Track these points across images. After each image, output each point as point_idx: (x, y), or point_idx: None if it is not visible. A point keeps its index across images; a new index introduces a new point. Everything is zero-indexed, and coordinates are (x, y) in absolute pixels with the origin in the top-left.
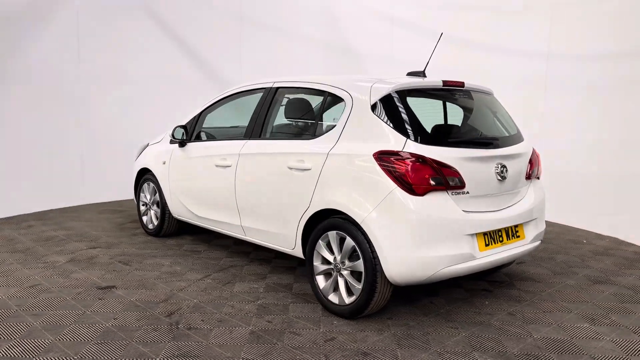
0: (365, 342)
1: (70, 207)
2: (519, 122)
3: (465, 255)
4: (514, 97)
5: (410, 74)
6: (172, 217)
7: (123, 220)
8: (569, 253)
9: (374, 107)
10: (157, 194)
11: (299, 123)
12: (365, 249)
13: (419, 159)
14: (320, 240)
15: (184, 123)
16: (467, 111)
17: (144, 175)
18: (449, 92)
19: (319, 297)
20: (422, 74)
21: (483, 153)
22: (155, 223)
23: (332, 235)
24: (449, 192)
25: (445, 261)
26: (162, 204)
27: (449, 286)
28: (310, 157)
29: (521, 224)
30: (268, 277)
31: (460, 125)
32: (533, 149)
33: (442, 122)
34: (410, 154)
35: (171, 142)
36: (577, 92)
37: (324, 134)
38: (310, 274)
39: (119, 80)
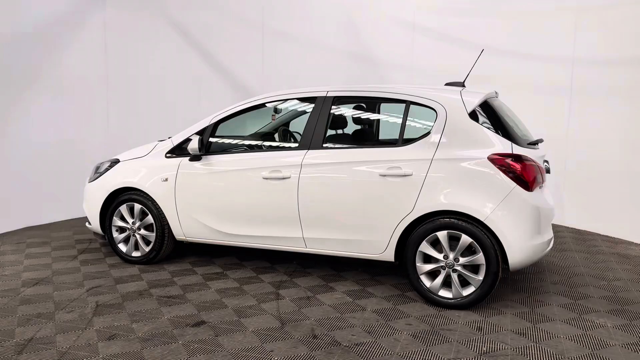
0: (505, 325)
1: None
2: (545, 127)
3: (550, 240)
4: (539, 103)
5: (448, 84)
6: (173, 240)
7: (70, 252)
8: None
9: (471, 115)
10: (150, 216)
11: (376, 131)
12: (487, 243)
13: (528, 159)
14: (424, 241)
15: (185, 136)
16: (505, 116)
17: (121, 196)
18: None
19: (427, 295)
20: (462, 84)
21: (541, 152)
22: (146, 249)
23: (443, 235)
24: (539, 186)
25: (546, 245)
26: (161, 227)
27: None
28: (409, 163)
29: None
30: (334, 288)
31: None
32: None
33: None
34: (521, 155)
35: (169, 156)
36: (603, 96)
37: (414, 141)
38: (414, 275)
39: (141, 90)
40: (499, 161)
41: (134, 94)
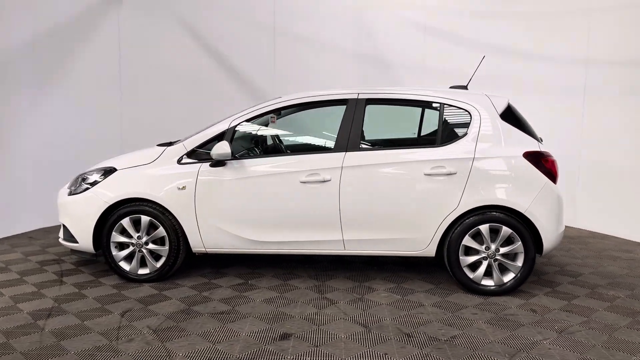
0: (549, 305)
1: None
2: (558, 128)
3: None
4: (552, 104)
5: (453, 87)
6: (187, 253)
7: (46, 276)
8: None
9: (502, 117)
10: (161, 228)
11: (414, 132)
12: (525, 233)
13: (551, 155)
14: (467, 235)
15: (201, 140)
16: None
17: (121, 208)
18: None
19: (469, 285)
20: (465, 88)
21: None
22: (157, 265)
23: (485, 228)
24: None
25: (563, 232)
26: (176, 239)
27: None
28: (452, 162)
29: None
30: (373, 288)
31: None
32: None
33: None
34: (546, 152)
35: (183, 162)
36: (617, 98)
37: (453, 141)
38: (457, 267)
39: (154, 92)
40: (533, 158)
41: (146, 96)
